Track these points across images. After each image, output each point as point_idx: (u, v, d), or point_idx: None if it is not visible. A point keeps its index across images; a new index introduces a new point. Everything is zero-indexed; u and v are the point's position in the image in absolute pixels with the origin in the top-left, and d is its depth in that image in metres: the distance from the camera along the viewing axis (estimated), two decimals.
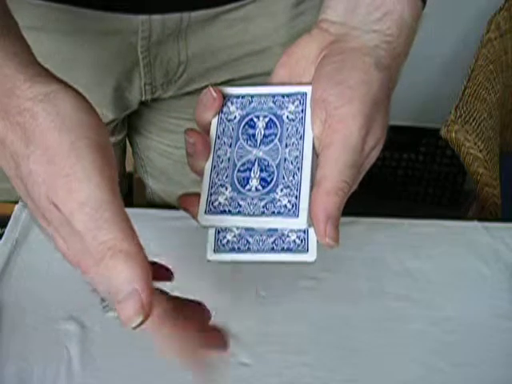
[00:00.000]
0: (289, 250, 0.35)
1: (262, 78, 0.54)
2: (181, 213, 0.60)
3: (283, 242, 0.35)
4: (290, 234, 0.35)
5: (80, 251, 0.32)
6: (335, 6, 0.41)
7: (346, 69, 0.37)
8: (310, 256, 0.35)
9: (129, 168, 0.79)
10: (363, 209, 0.66)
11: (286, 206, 0.34)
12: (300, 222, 0.34)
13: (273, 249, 0.35)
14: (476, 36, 1.09)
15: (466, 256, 0.58)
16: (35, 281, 0.51)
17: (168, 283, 0.51)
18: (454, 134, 0.86)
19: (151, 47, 0.54)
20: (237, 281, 0.53)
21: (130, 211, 0.61)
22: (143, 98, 0.59)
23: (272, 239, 0.35)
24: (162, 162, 0.69)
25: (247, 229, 0.36)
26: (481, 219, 0.63)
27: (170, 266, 0.38)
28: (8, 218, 0.56)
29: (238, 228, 0.36)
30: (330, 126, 0.35)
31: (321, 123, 0.36)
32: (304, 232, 0.35)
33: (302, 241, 0.35)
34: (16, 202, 0.57)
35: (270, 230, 0.35)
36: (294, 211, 0.34)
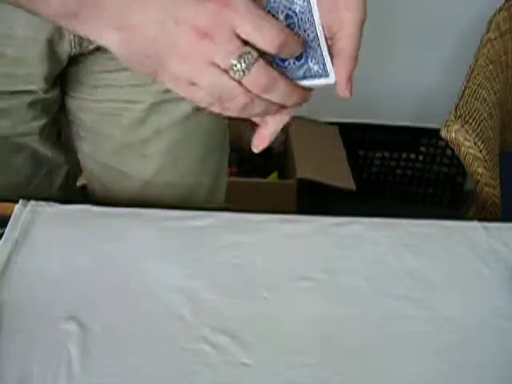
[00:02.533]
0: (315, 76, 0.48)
1: None
2: (181, 213, 0.60)
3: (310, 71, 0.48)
4: (313, 66, 0.48)
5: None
6: None
7: None
8: (331, 79, 0.48)
9: None
10: (363, 209, 0.66)
11: (317, 71, 0.47)
12: (330, 79, 0.48)
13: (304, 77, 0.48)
14: (476, 36, 1.09)
15: (465, 256, 0.58)
16: (35, 281, 0.51)
17: (168, 283, 0.52)
18: (453, 134, 0.86)
19: None
20: (237, 281, 0.53)
21: (129, 211, 0.61)
22: (72, 52, 0.63)
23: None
24: (93, 118, 0.71)
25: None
26: (481, 219, 0.63)
27: None
28: (8, 217, 0.56)
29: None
30: (339, 14, 0.47)
31: (328, 12, 0.47)
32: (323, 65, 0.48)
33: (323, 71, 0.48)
34: (16, 202, 0.57)
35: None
36: (324, 73, 0.48)
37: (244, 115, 0.47)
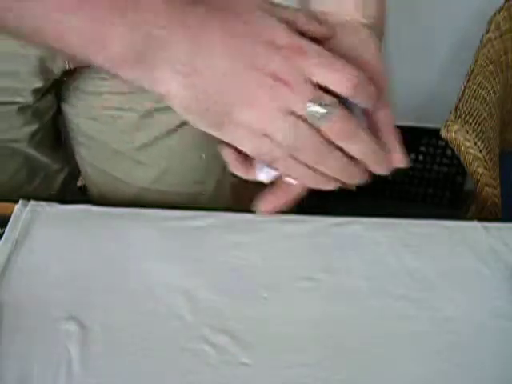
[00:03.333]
0: None
1: None
2: (181, 213, 0.60)
3: None
4: None
5: None
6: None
7: None
8: None
9: None
10: (363, 209, 0.66)
11: None
12: None
13: None
14: (476, 36, 1.09)
15: (465, 256, 0.58)
16: (35, 281, 0.51)
17: (168, 283, 0.52)
18: (453, 134, 0.86)
19: None
20: (237, 281, 0.53)
21: (130, 211, 0.61)
22: (67, 67, 0.62)
23: None
24: (88, 124, 0.71)
25: None
26: (481, 219, 0.63)
27: None
28: (8, 217, 0.56)
29: None
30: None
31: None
32: None
33: None
34: (16, 202, 0.57)
35: None
36: None
37: (310, 179, 0.43)
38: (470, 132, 0.86)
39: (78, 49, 0.41)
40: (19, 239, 0.55)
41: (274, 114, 0.41)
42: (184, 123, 0.71)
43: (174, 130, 0.71)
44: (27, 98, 0.62)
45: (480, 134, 0.88)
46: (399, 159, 0.45)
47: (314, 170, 0.42)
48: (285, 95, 0.40)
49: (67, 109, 0.72)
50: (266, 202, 0.46)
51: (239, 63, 0.41)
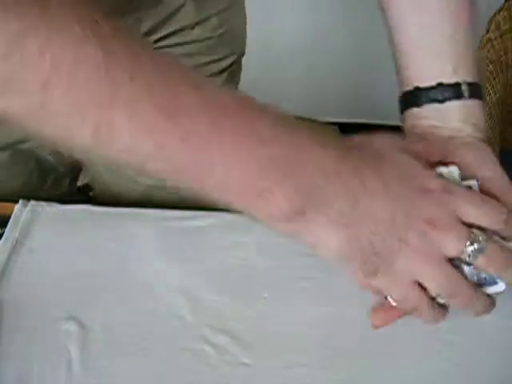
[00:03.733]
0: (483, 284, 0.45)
1: (181, 33, 0.67)
2: (181, 213, 0.60)
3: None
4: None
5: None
6: (429, 116, 0.52)
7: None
8: (501, 286, 0.46)
9: None
10: None
11: (485, 277, 0.45)
12: (500, 287, 0.46)
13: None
14: (476, 36, 1.09)
15: None
16: (35, 281, 0.51)
17: (168, 283, 0.52)
18: None
19: None
20: (237, 281, 0.53)
21: (129, 211, 0.61)
22: None
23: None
24: None
25: None
26: None
27: None
28: (8, 217, 0.56)
29: None
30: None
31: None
32: None
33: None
34: (16, 202, 0.57)
35: None
36: (492, 280, 0.45)
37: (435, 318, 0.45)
38: None
39: (237, 201, 0.41)
40: (19, 239, 0.55)
41: (433, 260, 0.42)
42: None
43: None
44: None
45: None
46: None
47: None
48: (441, 239, 0.42)
49: None
50: (378, 318, 0.48)
51: (399, 212, 0.42)
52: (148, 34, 0.67)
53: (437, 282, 0.43)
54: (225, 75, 0.73)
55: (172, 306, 0.50)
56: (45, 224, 0.56)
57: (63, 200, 0.59)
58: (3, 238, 0.54)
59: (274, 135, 0.40)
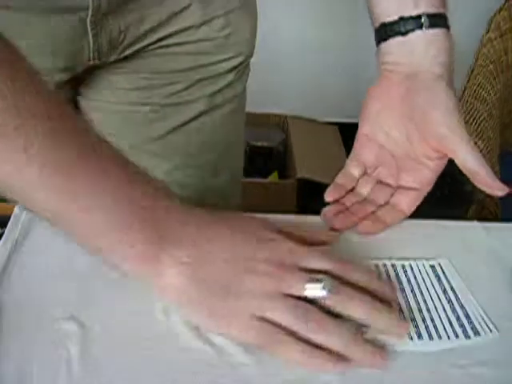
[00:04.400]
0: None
1: (186, 32, 0.68)
2: None
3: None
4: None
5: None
6: (393, 51, 0.57)
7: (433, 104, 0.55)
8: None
9: None
10: None
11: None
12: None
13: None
14: (476, 36, 1.10)
15: (465, 256, 0.58)
16: (35, 281, 0.51)
17: None
18: None
19: (97, 21, 0.61)
20: None
21: None
22: (91, 63, 0.66)
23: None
24: (104, 119, 0.73)
25: None
26: (481, 219, 0.63)
27: None
28: (8, 218, 0.56)
29: None
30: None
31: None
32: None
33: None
34: (16, 202, 0.57)
35: None
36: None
37: (309, 357, 0.44)
38: (470, 132, 0.86)
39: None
40: (19, 239, 0.55)
41: (272, 297, 0.44)
42: (200, 116, 0.72)
43: (190, 123, 0.72)
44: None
45: (480, 134, 0.89)
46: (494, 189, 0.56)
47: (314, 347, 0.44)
48: (282, 279, 0.45)
49: (84, 103, 0.73)
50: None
51: (239, 256, 0.46)
52: (151, 31, 0.67)
53: (280, 311, 0.44)
54: (232, 75, 0.73)
55: (172, 305, 0.50)
56: (45, 224, 0.56)
57: None
58: (3, 238, 0.54)
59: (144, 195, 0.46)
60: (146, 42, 0.68)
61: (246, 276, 0.45)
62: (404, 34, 0.55)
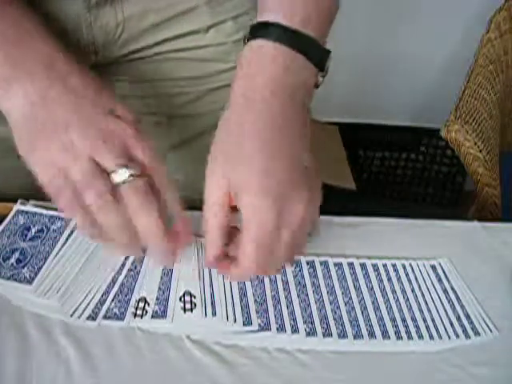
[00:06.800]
0: None
1: (192, 36, 0.65)
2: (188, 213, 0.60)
3: None
4: None
5: None
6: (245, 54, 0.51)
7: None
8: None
9: None
10: (363, 209, 0.66)
11: None
12: None
13: None
14: (476, 36, 1.09)
15: (465, 256, 0.58)
16: None
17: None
18: (453, 134, 0.86)
19: (91, 10, 0.60)
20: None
21: None
22: (92, 59, 0.64)
23: None
24: None
25: None
26: (481, 219, 0.63)
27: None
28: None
29: None
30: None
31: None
32: None
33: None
34: (15, 202, 0.57)
35: None
36: None
37: (84, 223, 0.47)
38: (470, 132, 0.86)
39: None
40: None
41: (80, 156, 0.46)
42: (206, 131, 0.70)
43: (195, 138, 0.71)
44: None
45: (480, 134, 0.88)
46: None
47: (93, 219, 0.46)
48: (103, 149, 0.46)
49: None
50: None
51: (87, 114, 0.48)
52: (154, 29, 0.65)
53: (75, 170, 0.45)
54: None
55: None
56: None
57: None
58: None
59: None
60: (149, 41, 0.65)
61: (73, 129, 0.46)
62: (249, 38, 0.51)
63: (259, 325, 0.48)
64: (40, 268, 0.50)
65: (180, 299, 0.49)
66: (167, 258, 0.50)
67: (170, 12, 0.64)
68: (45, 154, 0.46)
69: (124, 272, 0.52)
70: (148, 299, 0.49)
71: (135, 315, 0.48)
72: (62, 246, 0.52)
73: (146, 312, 0.48)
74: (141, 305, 0.49)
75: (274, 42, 0.48)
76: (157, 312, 0.48)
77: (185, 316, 0.48)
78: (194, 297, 0.50)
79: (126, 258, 0.53)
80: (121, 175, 0.46)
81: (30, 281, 0.49)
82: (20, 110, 0.47)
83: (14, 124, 0.48)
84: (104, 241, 0.48)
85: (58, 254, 0.52)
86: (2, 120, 0.63)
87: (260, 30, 0.50)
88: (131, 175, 0.46)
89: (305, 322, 0.49)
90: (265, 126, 0.47)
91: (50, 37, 0.50)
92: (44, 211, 0.56)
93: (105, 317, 0.48)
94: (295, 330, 0.48)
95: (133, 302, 0.49)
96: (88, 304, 0.49)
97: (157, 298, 0.49)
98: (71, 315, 0.48)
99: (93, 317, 0.48)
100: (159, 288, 0.51)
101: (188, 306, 0.49)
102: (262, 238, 0.45)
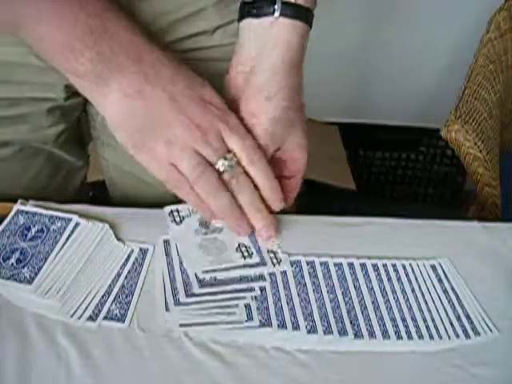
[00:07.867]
0: None
1: (198, 37, 0.66)
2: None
3: None
4: None
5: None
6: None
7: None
8: None
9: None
10: (363, 209, 0.66)
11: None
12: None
13: None
14: (476, 36, 1.09)
15: (465, 256, 0.58)
16: None
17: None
18: (453, 134, 0.86)
19: None
20: None
21: (128, 211, 0.61)
22: None
23: None
24: None
25: None
26: (481, 219, 0.63)
27: None
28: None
29: None
30: None
31: None
32: None
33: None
34: (15, 202, 0.57)
35: None
36: None
37: (201, 209, 0.53)
38: (470, 132, 0.86)
39: (51, 53, 0.49)
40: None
41: (185, 150, 0.49)
42: None
43: None
44: (59, 94, 0.63)
45: (480, 134, 0.88)
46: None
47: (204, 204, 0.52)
48: (204, 140, 0.50)
49: (93, 109, 0.71)
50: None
51: (180, 104, 0.50)
52: (162, 31, 0.64)
53: (185, 163, 0.49)
54: None
55: None
56: None
57: (62, 200, 0.59)
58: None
59: (96, 11, 0.48)
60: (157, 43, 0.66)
61: (174, 123, 0.49)
62: (256, 16, 0.56)
63: (260, 321, 0.48)
64: (40, 268, 0.50)
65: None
66: (274, 228, 0.54)
67: (178, 14, 0.63)
68: (153, 151, 0.50)
69: (125, 273, 0.52)
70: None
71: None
72: (63, 246, 0.52)
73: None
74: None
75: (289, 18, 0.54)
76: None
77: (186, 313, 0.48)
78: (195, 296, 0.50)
79: (127, 259, 0.53)
80: (221, 166, 0.51)
81: (30, 281, 0.49)
82: (117, 106, 0.49)
83: (111, 121, 0.50)
84: (215, 219, 0.54)
85: (58, 254, 0.52)
86: (7, 122, 0.64)
87: (261, 8, 0.55)
88: (230, 166, 0.51)
89: (305, 320, 0.49)
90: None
91: (130, 24, 0.51)
92: (44, 211, 0.56)
93: (105, 318, 0.48)
94: (296, 327, 0.48)
95: (134, 303, 0.49)
96: (88, 305, 0.49)
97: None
98: (71, 316, 0.48)
99: (93, 318, 0.48)
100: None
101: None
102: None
